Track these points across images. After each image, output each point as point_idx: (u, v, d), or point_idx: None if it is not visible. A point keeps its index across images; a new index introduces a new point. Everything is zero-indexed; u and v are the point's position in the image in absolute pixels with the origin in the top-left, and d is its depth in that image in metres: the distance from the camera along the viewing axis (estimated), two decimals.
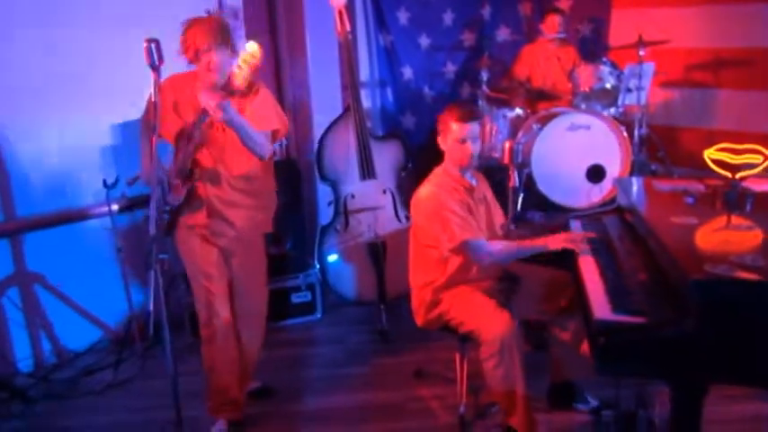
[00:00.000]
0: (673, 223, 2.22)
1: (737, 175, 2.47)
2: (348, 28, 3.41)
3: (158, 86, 2.06)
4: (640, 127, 4.26)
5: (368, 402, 2.90)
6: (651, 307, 1.87)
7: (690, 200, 2.49)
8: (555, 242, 2.47)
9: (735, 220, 2.28)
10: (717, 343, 1.66)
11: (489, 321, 2.38)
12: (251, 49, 2.19)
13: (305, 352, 3.41)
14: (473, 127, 2.48)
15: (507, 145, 2.40)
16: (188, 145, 2.45)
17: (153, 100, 2.07)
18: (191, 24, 2.39)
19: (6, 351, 3.02)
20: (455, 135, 2.49)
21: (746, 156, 2.50)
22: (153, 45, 2.03)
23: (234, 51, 2.42)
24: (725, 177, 2.48)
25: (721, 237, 2.18)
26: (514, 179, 2.46)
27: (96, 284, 3.41)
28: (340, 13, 3.43)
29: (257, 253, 2.72)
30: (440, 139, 2.58)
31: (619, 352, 1.75)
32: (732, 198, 2.42)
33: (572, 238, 2.48)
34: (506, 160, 2.42)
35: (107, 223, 3.31)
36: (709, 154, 2.54)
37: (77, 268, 3.34)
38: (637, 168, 4.20)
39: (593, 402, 2.69)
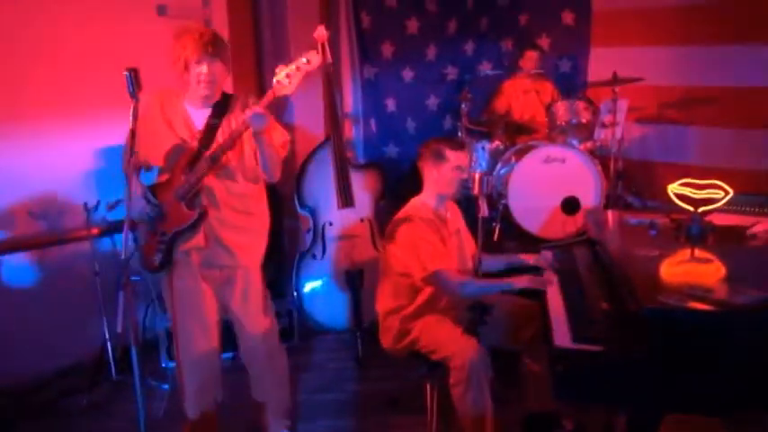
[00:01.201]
0: (634, 254, 2.30)
1: (699, 210, 2.55)
2: (330, 60, 3.50)
3: (136, 113, 2.11)
4: (615, 161, 4.36)
5: (342, 429, 2.92)
6: (610, 335, 1.93)
7: (653, 232, 2.57)
8: (520, 281, 2.54)
9: (695, 252, 2.36)
10: (668, 371, 1.72)
11: (457, 348, 2.43)
12: (309, 56, 2.22)
13: None
14: (466, 155, 2.61)
15: (477, 176, 2.48)
16: (195, 166, 2.38)
17: (131, 127, 2.12)
18: (181, 34, 2.35)
19: None
20: (452, 163, 2.58)
21: (708, 191, 2.59)
22: (131, 74, 2.09)
23: (226, 65, 2.41)
24: (687, 211, 2.57)
25: (680, 268, 2.25)
26: (484, 209, 2.53)
27: (74, 307, 3.42)
28: (323, 45, 3.52)
29: (256, 282, 2.61)
30: (427, 170, 2.65)
31: (575, 378, 1.80)
32: (694, 231, 2.50)
33: (536, 278, 2.55)
34: (476, 191, 2.49)
35: (86, 247, 3.34)
36: (673, 189, 2.62)
37: (56, 290, 3.36)
38: (611, 201, 4.29)
39: (569, 429, 2.72)
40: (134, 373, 2.18)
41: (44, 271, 3.34)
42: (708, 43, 4.27)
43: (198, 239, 2.45)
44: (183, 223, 2.42)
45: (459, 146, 2.65)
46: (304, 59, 2.28)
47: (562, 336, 1.99)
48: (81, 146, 3.36)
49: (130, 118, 2.11)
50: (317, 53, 2.30)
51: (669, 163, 4.59)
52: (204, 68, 2.34)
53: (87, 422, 3.02)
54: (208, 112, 2.47)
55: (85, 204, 3.26)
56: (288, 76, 2.27)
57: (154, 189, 2.47)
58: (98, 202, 3.31)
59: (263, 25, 4.25)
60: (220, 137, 2.42)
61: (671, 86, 4.49)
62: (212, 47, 2.33)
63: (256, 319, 2.62)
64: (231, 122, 2.46)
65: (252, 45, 4.27)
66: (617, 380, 1.77)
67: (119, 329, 1.90)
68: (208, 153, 2.38)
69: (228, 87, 3.90)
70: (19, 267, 3.27)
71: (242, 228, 2.52)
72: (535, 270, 2.75)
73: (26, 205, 3.23)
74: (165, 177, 2.48)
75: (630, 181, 4.63)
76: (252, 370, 2.73)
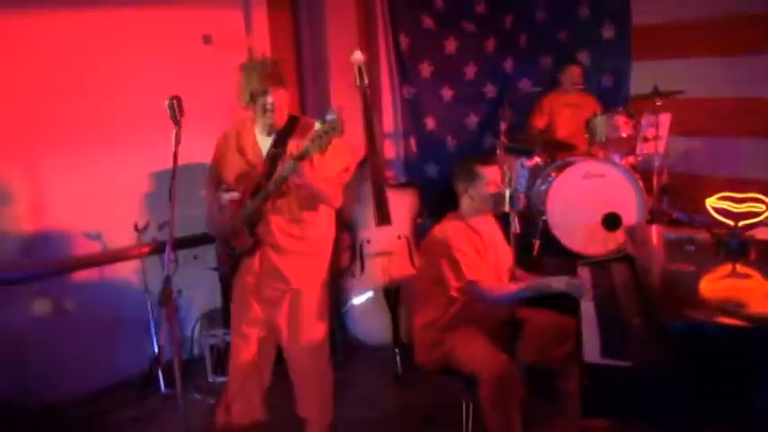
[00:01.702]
0: (668, 269, 2.27)
1: (740, 224, 2.50)
2: (366, 83, 3.60)
3: (178, 139, 2.24)
4: (659, 175, 4.29)
5: None
6: (640, 351, 1.91)
7: (691, 248, 2.53)
8: (558, 282, 2.53)
9: (734, 268, 2.31)
10: (697, 386, 1.70)
11: (488, 363, 2.44)
12: (337, 126, 2.30)
13: None
14: (498, 171, 2.67)
15: (507, 193, 2.51)
16: (256, 195, 2.51)
17: (174, 151, 2.24)
18: (245, 68, 2.49)
19: (37, 385, 3.18)
20: (485, 179, 2.64)
21: (748, 204, 2.54)
22: (174, 101, 2.22)
23: (288, 91, 2.53)
24: (727, 226, 2.52)
25: (716, 284, 2.21)
26: (516, 226, 2.55)
27: (125, 323, 3.59)
28: (359, 68, 3.63)
29: (309, 304, 2.67)
30: (462, 188, 2.70)
31: (602, 393, 1.80)
32: (733, 246, 2.45)
33: (574, 282, 2.54)
34: (506, 208, 2.52)
35: (137, 265, 3.50)
36: (711, 202, 2.58)
37: (108, 307, 3.53)
38: (656, 217, 4.21)
39: None
40: (177, 384, 2.28)
41: (98, 288, 3.52)
42: (750, 53, 4.17)
43: (253, 263, 2.61)
44: (242, 247, 2.60)
45: (492, 162, 2.70)
46: (330, 125, 2.32)
47: (592, 351, 1.98)
48: (131, 170, 3.54)
49: (173, 143, 2.24)
50: (340, 121, 2.33)
51: (716, 177, 4.46)
52: (269, 99, 2.46)
53: None
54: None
55: (136, 225, 3.43)
56: (319, 137, 2.32)
57: (233, 206, 2.63)
58: (148, 223, 3.48)
59: (304, 50, 4.40)
60: (281, 164, 2.51)
61: (715, 98, 4.39)
62: (275, 77, 2.46)
63: (306, 339, 2.69)
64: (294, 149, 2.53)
65: (294, 70, 4.42)
66: (644, 395, 1.75)
67: (161, 342, 2.01)
68: (268, 184, 2.50)
69: None
70: (74, 285, 3.45)
71: (296, 252, 2.61)
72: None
73: (80, 227, 3.42)
74: (239, 198, 2.63)
75: (676, 196, 4.53)
76: (297, 385, 2.80)
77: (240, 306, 2.70)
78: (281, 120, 2.55)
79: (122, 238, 3.48)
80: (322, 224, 2.68)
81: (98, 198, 3.43)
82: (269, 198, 2.51)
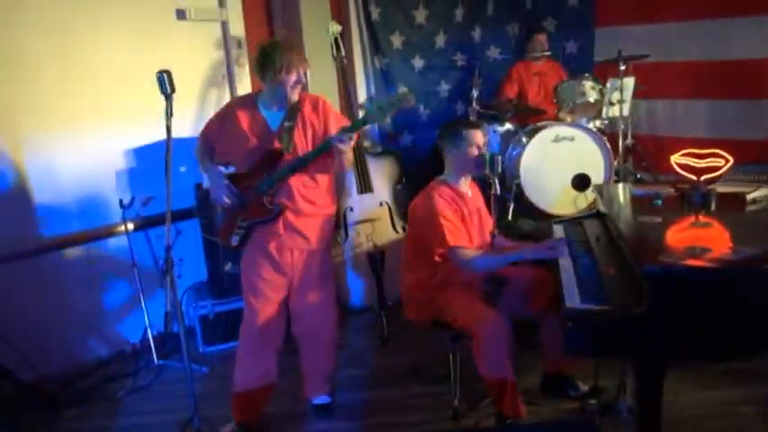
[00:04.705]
0: (638, 222, 2.45)
1: (702, 178, 2.69)
2: (343, 53, 3.68)
3: (170, 113, 2.30)
4: (624, 138, 4.48)
5: (369, 399, 3.10)
6: (616, 296, 2.08)
7: (658, 202, 2.71)
8: (535, 252, 2.70)
9: (697, 219, 2.49)
10: (668, 324, 1.87)
11: (478, 318, 2.59)
12: (405, 95, 2.48)
13: None
14: (483, 134, 2.78)
15: (487, 156, 2.64)
16: (276, 165, 2.63)
17: (167, 124, 2.30)
18: (287, 48, 2.59)
19: (35, 361, 3.23)
20: (470, 142, 2.74)
21: (709, 160, 2.72)
22: (164, 75, 2.27)
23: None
24: (690, 180, 2.71)
25: (681, 233, 2.39)
26: (496, 187, 2.69)
27: (115, 298, 3.65)
28: (336, 40, 3.70)
29: (323, 261, 2.83)
30: (447, 150, 2.81)
31: (583, 334, 1.96)
32: (696, 199, 2.63)
33: (550, 246, 2.69)
34: (486, 171, 2.66)
35: (123, 241, 3.55)
36: (675, 159, 2.76)
37: (97, 283, 3.59)
38: (622, 176, 4.42)
39: (584, 388, 2.89)
40: (182, 348, 2.39)
41: (87, 265, 3.56)
42: (712, 17, 4.37)
43: (277, 228, 2.70)
44: (264, 216, 2.67)
45: (476, 125, 2.82)
46: (398, 97, 2.51)
47: (572, 298, 2.14)
48: (113, 147, 3.57)
49: (165, 116, 2.29)
50: (413, 94, 2.52)
51: (679, 137, 4.69)
52: (294, 76, 2.57)
53: (132, 404, 3.22)
54: (280, 114, 2.68)
55: (121, 201, 3.47)
56: (380, 108, 2.53)
57: (234, 180, 2.70)
58: (132, 199, 3.52)
59: (278, 23, 4.42)
60: (297, 136, 2.66)
61: (677, 62, 4.59)
62: (302, 53, 2.63)
63: (321, 295, 2.83)
64: (306, 122, 2.68)
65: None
66: (619, 333, 1.92)
67: (167, 308, 2.10)
68: (289, 156, 2.62)
69: (246, 86, 4.12)
70: (63, 263, 3.49)
71: (313, 215, 2.74)
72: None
73: (67, 204, 3.44)
74: (243, 171, 2.71)
75: (640, 156, 4.75)
76: (306, 340, 2.90)
77: (255, 271, 2.76)
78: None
79: (107, 214, 3.52)
80: (330, 187, 2.83)
81: (82, 176, 3.46)
82: (299, 167, 2.63)
